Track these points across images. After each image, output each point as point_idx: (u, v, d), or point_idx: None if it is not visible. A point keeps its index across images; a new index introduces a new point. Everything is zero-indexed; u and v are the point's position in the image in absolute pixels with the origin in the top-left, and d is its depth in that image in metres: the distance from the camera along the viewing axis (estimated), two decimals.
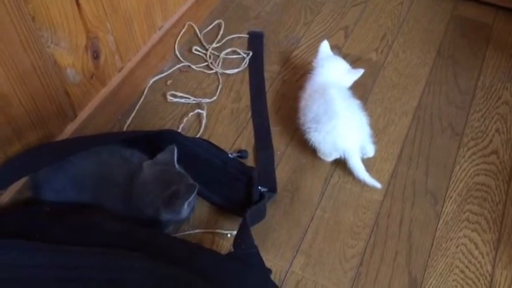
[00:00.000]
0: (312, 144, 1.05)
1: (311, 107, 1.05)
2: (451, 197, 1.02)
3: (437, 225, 0.99)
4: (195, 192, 0.87)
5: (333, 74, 1.09)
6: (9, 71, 0.83)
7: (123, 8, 1.06)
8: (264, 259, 0.83)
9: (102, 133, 1.01)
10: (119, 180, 0.89)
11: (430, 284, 0.91)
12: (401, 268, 0.93)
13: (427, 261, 0.94)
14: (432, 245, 0.96)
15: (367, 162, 1.06)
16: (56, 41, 0.91)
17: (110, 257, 0.67)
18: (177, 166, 0.90)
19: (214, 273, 0.72)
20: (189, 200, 0.87)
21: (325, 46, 1.13)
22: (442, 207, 1.01)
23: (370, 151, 1.06)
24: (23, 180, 0.94)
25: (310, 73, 1.12)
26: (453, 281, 0.91)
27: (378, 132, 1.13)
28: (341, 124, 0.99)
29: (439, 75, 1.26)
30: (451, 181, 1.05)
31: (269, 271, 0.82)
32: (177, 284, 0.65)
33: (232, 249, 0.81)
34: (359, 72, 1.10)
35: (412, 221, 0.99)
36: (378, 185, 1.01)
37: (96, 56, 1.03)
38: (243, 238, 0.83)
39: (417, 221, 0.99)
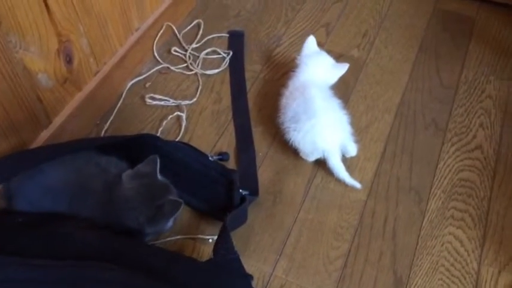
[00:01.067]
0: (292, 144, 1.03)
1: (291, 105, 1.03)
2: (435, 194, 1.01)
3: (422, 223, 0.97)
4: (181, 209, 0.85)
5: (316, 70, 1.07)
6: None
7: (96, 10, 1.03)
8: (246, 264, 0.81)
9: (76, 139, 0.98)
10: (95, 188, 0.87)
11: (416, 284, 0.89)
12: (386, 268, 0.91)
13: (413, 260, 0.92)
14: (417, 244, 0.94)
15: (349, 162, 1.04)
16: (25, 46, 0.88)
17: (81, 270, 0.65)
18: (159, 177, 0.88)
19: (192, 283, 0.69)
20: (174, 216, 0.85)
21: (311, 41, 1.11)
22: (427, 204, 1.00)
23: (352, 150, 1.04)
24: None
25: (293, 71, 1.10)
26: (439, 280, 0.90)
27: (361, 130, 1.11)
28: (320, 123, 0.97)
29: (422, 71, 1.24)
30: (435, 178, 1.04)
31: (250, 277, 0.80)
32: None
33: (212, 256, 0.79)
34: (344, 67, 1.08)
35: (397, 219, 0.98)
36: (358, 185, 1.00)
37: (69, 60, 1.00)
38: (223, 244, 0.80)
39: (402, 219, 0.98)
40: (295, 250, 0.93)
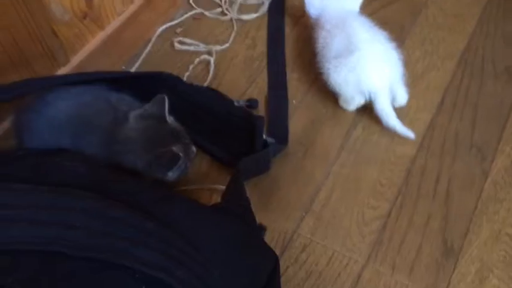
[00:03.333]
0: (332, 89, 0.89)
1: (330, 44, 0.89)
2: (503, 152, 0.83)
3: (484, 184, 0.80)
4: (180, 163, 0.75)
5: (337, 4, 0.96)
6: None
7: None
8: (266, 219, 0.70)
9: (88, 72, 0.90)
10: (102, 125, 0.78)
11: (470, 254, 0.73)
12: (434, 234, 0.76)
13: (469, 227, 0.76)
14: (476, 208, 0.78)
15: (398, 111, 0.88)
16: None
17: (57, 196, 0.56)
18: (169, 120, 0.78)
19: (185, 224, 0.59)
20: (172, 170, 0.75)
21: None
22: (491, 163, 0.82)
23: (402, 97, 0.88)
24: (4, 126, 0.86)
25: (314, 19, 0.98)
26: (500, 250, 0.73)
27: (416, 77, 0.95)
28: (365, 57, 0.83)
29: (495, 13, 1.05)
30: (505, 133, 0.85)
31: (262, 229, 0.68)
32: (128, 228, 0.53)
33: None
34: None
35: (452, 179, 0.81)
36: (412, 135, 0.84)
37: None
38: (233, 189, 0.69)
39: (458, 179, 0.81)
40: (324, 208, 0.80)
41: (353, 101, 0.88)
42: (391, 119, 0.84)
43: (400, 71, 0.86)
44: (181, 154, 0.74)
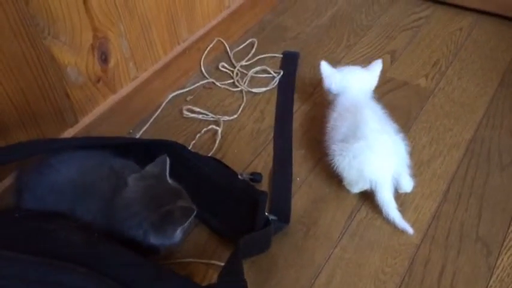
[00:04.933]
0: (336, 170, 0.88)
1: (339, 127, 0.90)
2: (509, 248, 0.81)
3: (489, 281, 0.77)
4: (192, 217, 0.73)
5: (355, 84, 0.97)
6: None
7: (140, 11, 0.98)
8: None
9: (95, 136, 0.90)
10: (102, 192, 0.77)
11: None
12: None
13: None
14: None
15: (403, 198, 0.88)
16: (54, 33, 0.83)
17: (48, 269, 0.54)
18: (169, 180, 0.77)
19: None
20: (184, 226, 0.73)
21: (324, 65, 1.01)
22: (497, 259, 0.80)
23: (408, 185, 0.88)
24: (5, 184, 0.85)
25: (330, 96, 1.00)
26: None
27: (421, 164, 0.95)
28: (370, 147, 0.83)
29: (501, 107, 1.06)
30: (511, 228, 0.84)
31: None
32: None
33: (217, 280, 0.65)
34: (378, 63, 0.99)
35: (457, 273, 0.78)
36: (410, 230, 0.83)
37: (104, 58, 0.95)
38: (231, 268, 0.67)
39: (463, 273, 0.78)
40: None
41: (357, 185, 0.87)
42: (392, 211, 0.83)
43: (406, 162, 0.86)
44: (194, 207, 0.72)
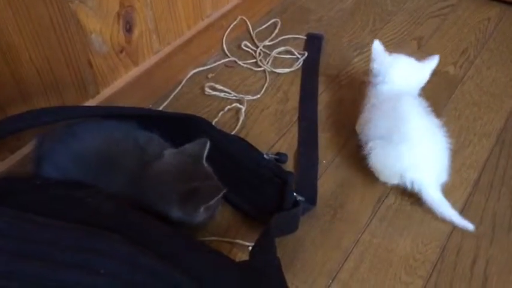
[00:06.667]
0: (372, 168, 0.84)
1: (377, 120, 0.85)
2: None
3: None
4: (219, 197, 0.71)
5: (403, 76, 0.89)
6: (20, 18, 0.73)
7: None
8: (289, 283, 0.63)
9: (119, 106, 0.87)
10: (128, 165, 0.74)
11: None
12: None
13: None
14: None
15: None
16: None
17: (81, 235, 0.51)
18: (205, 163, 0.74)
19: (214, 280, 0.54)
20: (208, 205, 0.71)
21: (377, 45, 0.92)
22: None
23: (442, 177, 0.84)
24: (23, 152, 0.82)
25: (371, 81, 0.92)
26: None
27: (451, 153, 0.91)
28: (415, 149, 0.79)
29: None
30: None
31: None
32: (153, 278, 0.48)
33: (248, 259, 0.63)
34: (434, 59, 0.90)
35: (489, 262, 0.76)
36: (471, 227, 0.78)
37: (128, 28, 0.92)
38: (263, 246, 0.64)
39: (496, 263, 0.76)
40: (352, 278, 0.74)
41: (392, 182, 0.84)
42: (446, 210, 0.79)
43: (447, 160, 0.82)
44: (222, 187, 0.70)
